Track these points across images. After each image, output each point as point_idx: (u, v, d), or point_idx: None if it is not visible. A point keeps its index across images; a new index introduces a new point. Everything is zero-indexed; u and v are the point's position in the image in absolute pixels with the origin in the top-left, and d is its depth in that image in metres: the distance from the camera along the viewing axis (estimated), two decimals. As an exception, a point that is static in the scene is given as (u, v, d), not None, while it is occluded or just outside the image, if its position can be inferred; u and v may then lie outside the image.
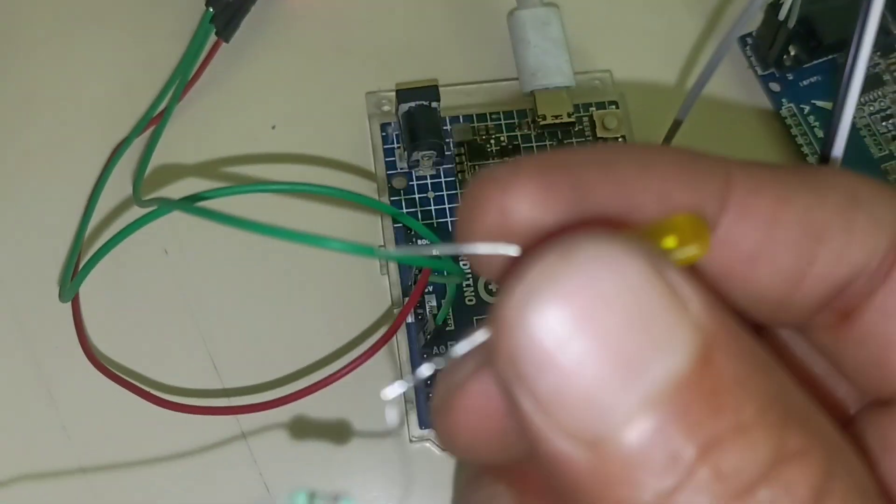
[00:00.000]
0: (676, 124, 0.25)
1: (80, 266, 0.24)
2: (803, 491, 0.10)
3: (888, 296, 0.13)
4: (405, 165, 0.29)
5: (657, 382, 0.10)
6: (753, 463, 0.10)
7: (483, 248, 0.12)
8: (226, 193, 0.21)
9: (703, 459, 0.10)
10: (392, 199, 0.29)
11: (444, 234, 0.28)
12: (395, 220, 0.28)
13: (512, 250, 0.12)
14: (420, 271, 0.25)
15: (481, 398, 0.13)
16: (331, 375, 0.23)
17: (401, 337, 0.27)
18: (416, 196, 0.29)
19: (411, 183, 0.29)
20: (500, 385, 0.11)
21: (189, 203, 0.20)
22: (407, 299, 0.25)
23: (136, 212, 0.26)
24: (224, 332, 0.27)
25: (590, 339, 0.10)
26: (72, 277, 0.25)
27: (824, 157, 0.18)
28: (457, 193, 0.29)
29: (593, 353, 0.10)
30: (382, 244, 0.28)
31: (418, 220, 0.28)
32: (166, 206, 0.20)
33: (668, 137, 0.26)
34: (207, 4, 0.29)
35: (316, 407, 0.25)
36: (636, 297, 0.10)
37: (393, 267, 0.28)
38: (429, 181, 0.29)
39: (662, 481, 0.10)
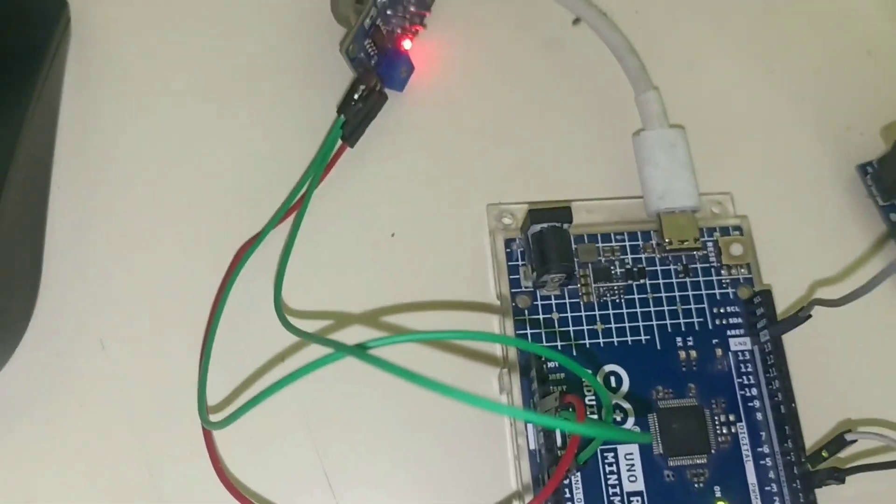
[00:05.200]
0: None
1: (242, 404, 0.23)
2: None
3: None
4: (530, 284, 0.29)
5: None
6: None
7: None
8: (384, 343, 0.20)
9: None
10: (516, 318, 0.28)
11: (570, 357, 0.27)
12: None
13: None
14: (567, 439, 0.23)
15: None
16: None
17: None
18: (541, 317, 0.28)
19: (535, 303, 0.28)
20: None
21: (361, 350, 0.19)
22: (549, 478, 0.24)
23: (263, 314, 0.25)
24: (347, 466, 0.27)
25: None
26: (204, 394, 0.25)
27: None
28: (581, 316, 0.28)
29: None
30: (505, 367, 0.28)
31: (543, 341, 0.28)
32: (342, 350, 0.19)
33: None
34: (339, 111, 0.29)
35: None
36: None
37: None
38: (553, 301, 0.29)
39: None
